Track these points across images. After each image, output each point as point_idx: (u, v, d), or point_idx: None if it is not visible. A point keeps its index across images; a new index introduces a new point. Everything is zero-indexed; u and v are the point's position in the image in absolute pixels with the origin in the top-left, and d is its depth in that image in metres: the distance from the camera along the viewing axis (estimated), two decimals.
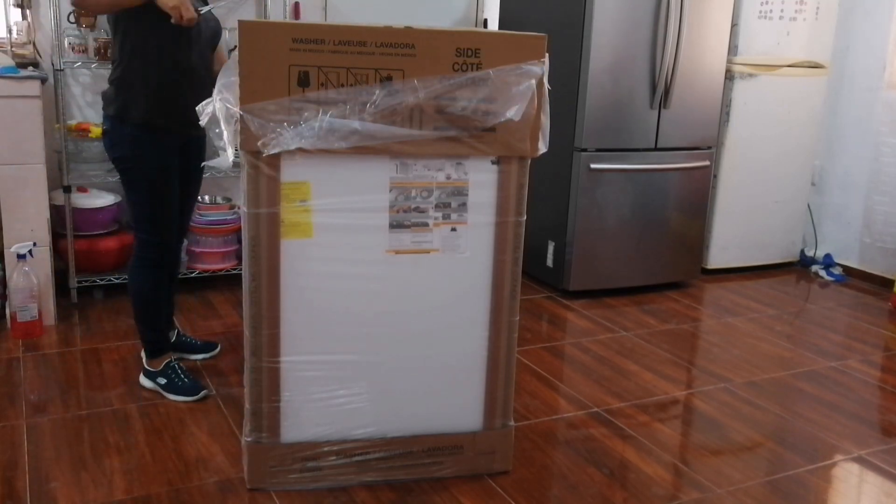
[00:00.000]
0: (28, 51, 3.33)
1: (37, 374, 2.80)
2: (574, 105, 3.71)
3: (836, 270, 4.46)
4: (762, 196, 4.38)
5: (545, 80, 1.97)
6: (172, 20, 2.26)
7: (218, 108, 1.91)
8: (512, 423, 2.26)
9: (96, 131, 3.43)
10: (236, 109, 1.84)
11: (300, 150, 1.87)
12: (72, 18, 3.40)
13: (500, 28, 4.29)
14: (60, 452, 2.29)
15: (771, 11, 4.11)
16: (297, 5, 3.96)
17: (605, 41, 3.63)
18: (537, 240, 3.98)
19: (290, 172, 1.92)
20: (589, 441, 2.49)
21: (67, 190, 3.40)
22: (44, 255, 3.19)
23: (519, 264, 2.13)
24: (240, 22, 1.82)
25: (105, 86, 2.52)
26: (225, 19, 2.67)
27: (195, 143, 2.61)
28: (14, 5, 3.43)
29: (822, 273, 4.46)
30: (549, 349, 3.24)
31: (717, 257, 4.38)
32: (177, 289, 2.96)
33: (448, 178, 2.02)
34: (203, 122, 1.97)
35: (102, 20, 3.33)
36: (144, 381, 2.71)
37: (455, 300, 2.11)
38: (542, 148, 2.03)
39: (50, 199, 3.26)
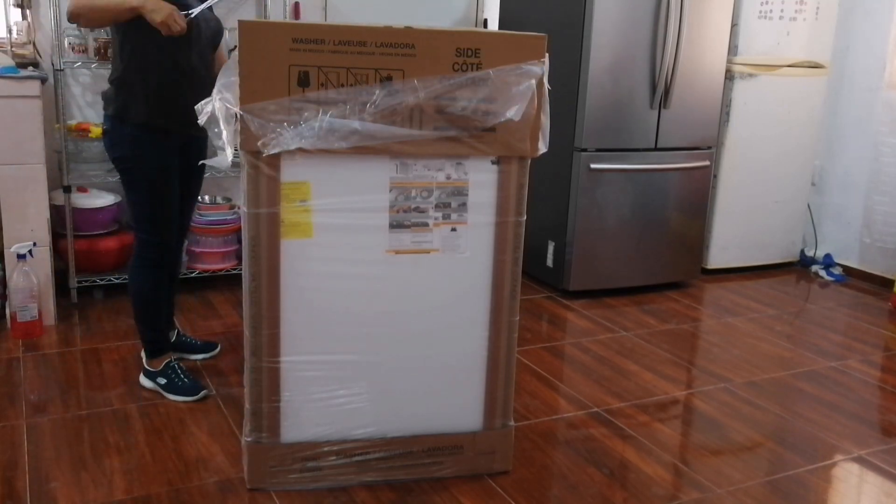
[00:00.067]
0: (28, 51, 3.33)
1: (37, 374, 2.80)
2: (574, 105, 3.71)
3: (836, 270, 4.46)
4: (762, 196, 4.38)
5: (545, 80, 1.97)
6: (163, 33, 2.29)
7: (217, 108, 1.91)
8: (512, 423, 2.26)
9: (96, 131, 3.43)
10: (236, 109, 1.84)
11: (300, 150, 1.87)
12: None
13: (500, 28, 4.29)
14: (60, 452, 2.29)
15: (771, 11, 4.11)
16: (297, 5, 3.96)
17: (605, 41, 3.63)
18: (537, 240, 3.98)
19: (290, 172, 1.92)
20: (589, 441, 2.49)
21: (67, 190, 3.41)
22: (44, 255, 3.19)
23: (519, 264, 2.13)
24: (240, 22, 1.82)
25: (105, 86, 2.53)
26: (225, 19, 2.67)
27: (196, 143, 2.61)
28: (14, 5, 3.43)
29: (822, 273, 4.46)
30: (549, 349, 3.24)
31: (717, 257, 4.38)
32: (177, 289, 2.96)
33: (448, 178, 2.02)
34: (202, 121, 1.97)
35: None
36: (144, 381, 2.71)
37: (455, 300, 2.11)
38: (542, 148, 2.03)
39: (50, 199, 3.26)
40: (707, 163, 4.03)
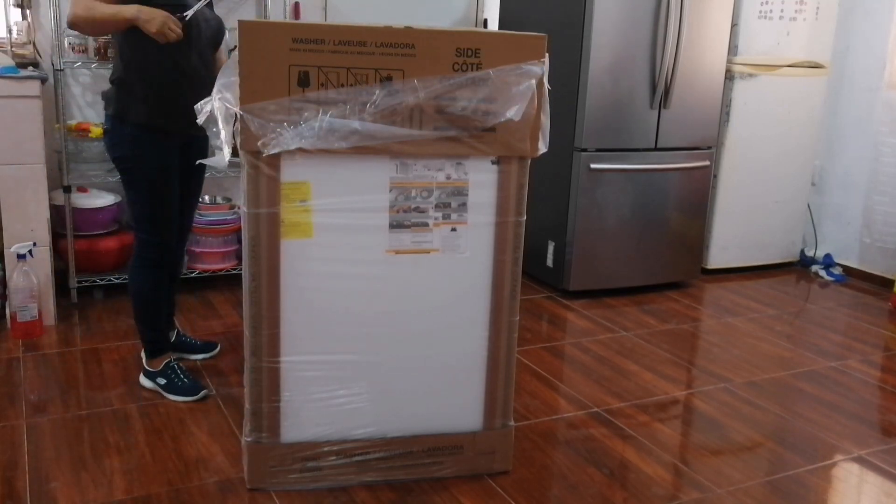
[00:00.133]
0: (28, 51, 3.33)
1: (37, 374, 2.80)
2: (574, 105, 3.71)
3: (836, 270, 4.46)
4: (762, 196, 4.38)
5: (545, 80, 1.97)
6: (160, 42, 2.31)
7: (217, 108, 1.91)
8: (512, 423, 2.26)
9: (96, 131, 3.43)
10: (236, 109, 1.84)
11: (300, 150, 1.87)
12: None
13: (500, 28, 4.29)
14: (60, 452, 2.29)
15: (771, 11, 4.11)
16: (297, 5, 3.96)
17: (605, 41, 3.63)
18: (537, 240, 3.98)
19: (290, 172, 1.92)
20: (589, 441, 2.49)
21: (67, 190, 3.41)
22: (44, 255, 3.19)
23: (519, 264, 2.13)
24: (240, 22, 1.82)
25: (105, 85, 2.53)
26: (225, 19, 2.67)
27: (197, 143, 2.61)
28: (14, 5, 3.43)
29: (822, 273, 4.46)
30: (549, 349, 3.24)
31: (717, 257, 4.38)
32: (178, 289, 2.96)
33: (448, 178, 2.02)
34: (200, 120, 1.98)
35: None
36: (144, 381, 2.71)
37: (455, 300, 2.11)
38: (542, 148, 2.03)
39: (50, 199, 3.26)
40: (707, 163, 4.03)
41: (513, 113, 1.93)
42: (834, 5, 4.27)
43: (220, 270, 3.74)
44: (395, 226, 2.02)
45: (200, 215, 3.60)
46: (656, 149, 3.87)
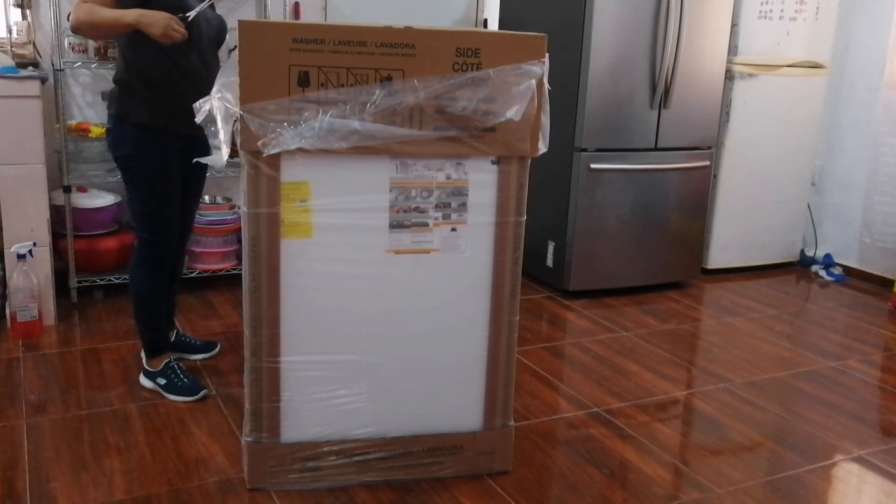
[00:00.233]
0: (28, 51, 3.33)
1: (37, 374, 2.80)
2: (574, 105, 3.71)
3: (836, 270, 4.46)
4: (762, 196, 4.38)
5: (545, 80, 1.97)
6: (165, 44, 2.32)
7: (216, 107, 1.91)
8: (512, 423, 2.26)
9: (96, 131, 3.43)
10: (236, 109, 1.84)
11: (300, 150, 1.87)
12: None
13: (500, 28, 4.29)
14: (60, 452, 2.29)
15: (771, 11, 4.11)
16: (297, 5, 3.96)
17: (605, 41, 3.63)
18: (537, 240, 3.98)
19: (290, 172, 1.92)
20: (589, 441, 2.49)
21: (67, 190, 3.41)
22: (44, 255, 3.19)
23: (519, 264, 2.13)
24: (240, 22, 1.82)
25: (105, 85, 2.53)
26: (225, 19, 2.67)
27: (198, 143, 2.60)
28: (14, 5, 3.43)
29: (822, 273, 4.46)
30: (549, 349, 3.24)
31: (717, 257, 4.38)
32: (178, 289, 2.96)
33: (448, 178, 2.02)
34: (199, 119, 1.98)
35: None
36: (144, 381, 2.71)
37: (455, 300, 2.11)
38: (542, 148, 2.03)
39: (50, 199, 3.26)
40: (707, 163, 4.03)
41: (513, 113, 1.93)
42: (834, 5, 4.27)
43: (220, 270, 3.74)
44: (395, 226, 2.02)
45: (200, 215, 3.60)
46: (656, 149, 3.87)
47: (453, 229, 2.06)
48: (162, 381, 2.65)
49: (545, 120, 2.01)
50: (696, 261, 4.17)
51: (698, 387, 2.96)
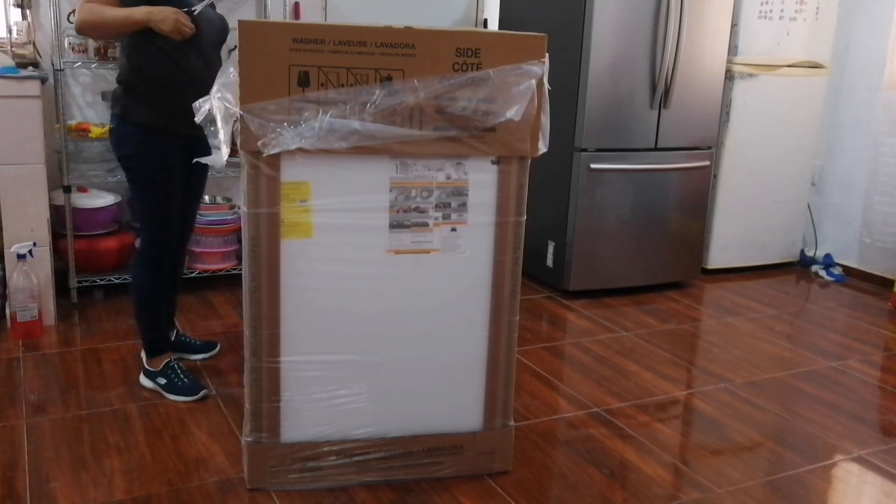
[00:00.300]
0: (28, 51, 3.33)
1: (37, 374, 2.80)
2: (574, 105, 3.71)
3: (836, 270, 4.46)
4: (762, 196, 4.38)
5: (545, 80, 1.97)
6: (175, 39, 2.33)
7: (216, 107, 1.91)
8: (512, 423, 2.26)
9: (96, 131, 3.43)
10: (236, 109, 1.84)
11: (300, 150, 1.87)
12: (72, 18, 3.40)
13: (500, 28, 4.29)
14: (60, 452, 2.29)
15: (771, 11, 4.11)
16: (297, 5, 3.96)
17: (605, 41, 3.63)
18: (537, 240, 3.98)
19: (290, 172, 1.92)
20: (589, 441, 2.49)
21: (67, 190, 3.41)
22: (44, 255, 3.19)
23: (519, 264, 2.13)
24: (240, 22, 1.82)
25: (105, 85, 2.54)
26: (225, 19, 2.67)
27: (200, 143, 2.61)
28: (14, 5, 3.43)
29: (822, 273, 4.46)
30: (549, 349, 3.24)
31: (717, 257, 4.38)
32: (179, 289, 2.96)
33: (448, 178, 2.02)
34: (198, 119, 1.97)
35: None
36: (144, 381, 2.71)
37: (455, 300, 2.11)
38: (542, 148, 2.03)
39: (50, 199, 3.26)
40: (707, 163, 4.03)
41: (513, 113, 1.93)
42: (834, 5, 4.27)
43: (220, 270, 3.74)
44: (395, 226, 2.02)
45: (200, 215, 3.59)
46: (656, 149, 3.87)
47: (453, 229, 2.06)
48: (162, 381, 2.65)
49: (545, 120, 2.01)
50: (696, 261, 4.17)
51: (698, 387, 2.96)
